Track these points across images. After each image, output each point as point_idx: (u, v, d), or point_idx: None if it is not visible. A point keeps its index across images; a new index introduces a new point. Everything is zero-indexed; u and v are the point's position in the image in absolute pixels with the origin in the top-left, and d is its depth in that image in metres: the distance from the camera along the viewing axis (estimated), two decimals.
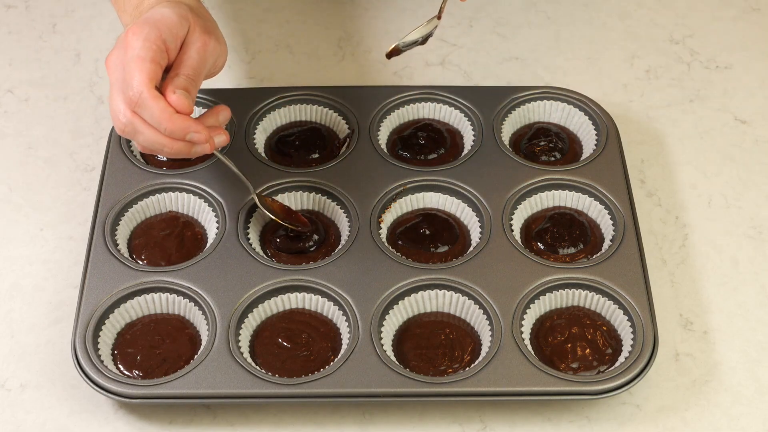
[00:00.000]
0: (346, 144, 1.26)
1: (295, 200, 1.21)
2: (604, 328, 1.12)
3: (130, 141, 1.26)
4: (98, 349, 1.09)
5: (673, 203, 1.26)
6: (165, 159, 1.25)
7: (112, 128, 1.27)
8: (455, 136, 1.28)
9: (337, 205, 1.21)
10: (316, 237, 1.18)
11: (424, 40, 1.19)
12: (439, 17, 1.17)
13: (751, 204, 1.26)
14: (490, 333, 1.10)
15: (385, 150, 1.26)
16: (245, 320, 1.12)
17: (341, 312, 1.12)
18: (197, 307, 1.13)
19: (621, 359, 1.10)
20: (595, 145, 1.26)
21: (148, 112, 1.04)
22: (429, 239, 1.18)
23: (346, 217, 1.20)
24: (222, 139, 1.10)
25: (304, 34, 1.43)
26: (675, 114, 1.35)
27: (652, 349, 1.09)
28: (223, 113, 1.12)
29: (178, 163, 1.25)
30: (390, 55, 1.17)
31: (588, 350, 1.10)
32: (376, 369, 1.08)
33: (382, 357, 1.08)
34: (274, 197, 1.20)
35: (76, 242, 1.21)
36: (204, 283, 1.13)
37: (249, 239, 1.18)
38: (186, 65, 1.07)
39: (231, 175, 1.22)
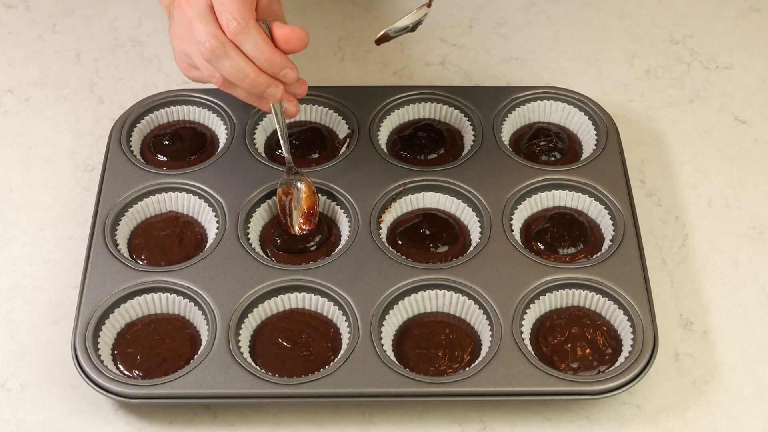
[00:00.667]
0: (346, 144, 1.26)
1: None
2: (604, 328, 1.12)
3: (129, 140, 1.26)
4: (98, 349, 1.09)
5: (673, 203, 1.26)
6: (165, 159, 1.25)
7: (112, 128, 1.27)
8: (455, 136, 1.28)
9: (337, 205, 1.21)
10: (317, 237, 1.18)
11: (414, 27, 1.18)
12: (429, 5, 1.16)
13: (751, 204, 1.26)
14: (490, 333, 1.10)
15: (385, 150, 1.26)
16: (245, 320, 1.12)
17: (341, 312, 1.12)
18: (197, 307, 1.13)
19: (621, 359, 1.10)
20: (595, 145, 1.26)
21: (252, 41, 1.07)
22: (429, 239, 1.18)
23: (346, 217, 1.20)
24: (292, 107, 1.15)
25: None
26: (675, 114, 1.35)
27: (652, 349, 1.09)
28: (302, 86, 1.15)
29: (178, 163, 1.25)
30: (379, 41, 1.17)
31: (588, 350, 1.10)
32: (376, 369, 1.08)
33: (382, 357, 1.08)
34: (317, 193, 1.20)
35: (76, 242, 1.21)
36: (204, 283, 1.13)
37: (249, 239, 1.18)
38: (272, 10, 1.13)
39: (232, 175, 1.22)
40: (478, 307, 1.12)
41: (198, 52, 1.09)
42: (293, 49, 1.11)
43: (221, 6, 1.08)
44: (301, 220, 1.18)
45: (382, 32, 1.16)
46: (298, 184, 1.19)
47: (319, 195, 1.20)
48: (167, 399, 1.07)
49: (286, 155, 1.19)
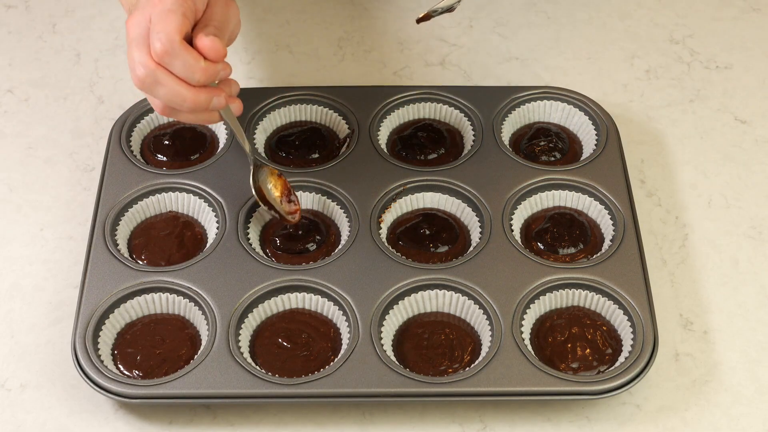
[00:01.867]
0: (346, 144, 1.26)
1: None
2: (604, 328, 1.12)
3: (129, 140, 1.26)
4: (98, 349, 1.09)
5: (673, 203, 1.26)
6: (165, 159, 1.25)
7: (112, 128, 1.27)
8: (455, 136, 1.29)
9: (337, 205, 1.21)
10: (317, 237, 1.18)
11: (452, 8, 1.17)
12: None
13: (751, 204, 1.26)
14: (490, 333, 1.10)
15: (385, 150, 1.26)
16: (245, 320, 1.12)
17: (341, 312, 1.12)
18: (197, 307, 1.13)
19: (621, 359, 1.10)
20: (595, 145, 1.26)
21: (180, 61, 1.03)
22: (429, 239, 1.18)
23: (346, 217, 1.20)
24: (237, 106, 1.11)
25: (304, 34, 1.43)
26: (675, 114, 1.35)
27: (652, 349, 1.09)
28: (235, 85, 1.11)
29: (178, 163, 1.25)
30: (420, 20, 1.16)
31: (588, 350, 1.10)
32: (376, 369, 1.08)
33: (382, 357, 1.08)
34: (281, 174, 1.19)
35: (76, 242, 1.21)
36: (204, 283, 1.13)
37: (249, 239, 1.18)
38: (212, 19, 1.07)
39: (232, 175, 1.22)
40: (478, 307, 1.12)
41: (133, 81, 1.06)
42: (220, 58, 1.06)
43: (152, 27, 1.04)
44: (285, 208, 1.18)
45: (424, 12, 1.16)
46: (266, 179, 1.18)
47: (289, 182, 1.19)
48: (167, 399, 1.07)
49: (248, 153, 1.17)
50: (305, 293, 1.14)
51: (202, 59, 1.04)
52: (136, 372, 1.09)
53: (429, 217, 1.20)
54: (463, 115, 1.29)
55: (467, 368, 1.09)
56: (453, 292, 1.13)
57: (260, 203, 1.17)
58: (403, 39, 1.42)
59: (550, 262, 1.16)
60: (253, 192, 1.17)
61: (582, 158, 1.26)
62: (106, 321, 1.11)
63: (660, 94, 1.37)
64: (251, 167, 1.17)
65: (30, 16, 1.45)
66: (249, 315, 1.12)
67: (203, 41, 1.04)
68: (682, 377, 1.12)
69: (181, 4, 1.04)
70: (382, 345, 1.10)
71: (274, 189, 1.18)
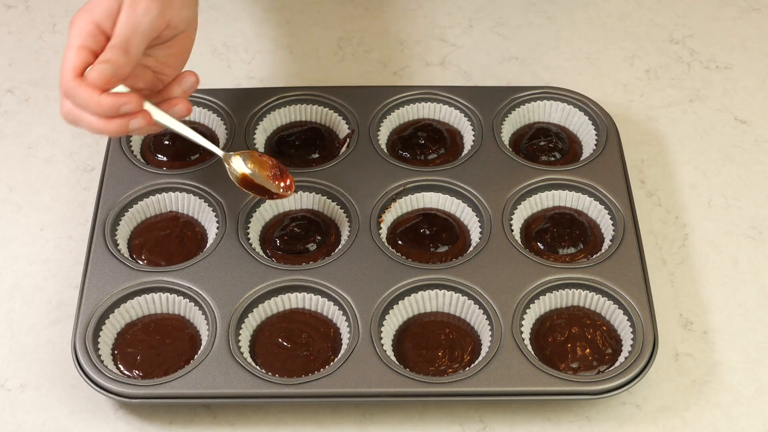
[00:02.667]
0: (346, 144, 1.26)
1: (295, 200, 1.22)
2: (604, 328, 1.12)
3: (129, 140, 1.26)
4: (98, 349, 1.09)
5: (673, 203, 1.26)
6: (165, 159, 1.25)
7: None
8: (455, 136, 1.29)
9: (337, 205, 1.21)
10: (318, 237, 1.18)
11: None
12: None
13: (751, 204, 1.26)
14: (490, 333, 1.10)
15: (385, 150, 1.26)
16: (245, 320, 1.12)
17: (341, 312, 1.12)
18: (197, 307, 1.13)
19: (621, 359, 1.10)
20: (595, 145, 1.26)
21: (77, 100, 1.04)
22: (429, 239, 1.18)
23: (346, 217, 1.20)
24: (180, 108, 1.09)
25: (304, 34, 1.43)
26: (675, 114, 1.35)
27: (652, 349, 1.09)
28: (188, 80, 1.10)
29: (178, 163, 1.25)
30: None
31: (588, 350, 1.10)
32: (376, 369, 1.08)
33: (382, 357, 1.08)
34: (262, 154, 1.17)
35: (76, 242, 1.21)
36: (204, 283, 1.13)
37: (249, 239, 1.18)
38: (115, 36, 1.05)
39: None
40: (478, 307, 1.13)
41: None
42: (108, 87, 1.03)
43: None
44: (276, 182, 1.15)
45: None
46: (246, 164, 1.15)
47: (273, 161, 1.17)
48: (167, 399, 1.07)
49: (214, 151, 1.14)
50: (305, 293, 1.14)
51: (96, 93, 1.03)
52: (136, 372, 1.09)
53: (429, 217, 1.20)
54: (463, 115, 1.29)
55: (467, 368, 1.09)
56: (453, 292, 1.13)
57: (249, 192, 1.15)
58: (403, 39, 1.42)
59: (550, 262, 1.16)
60: (236, 184, 1.15)
61: (582, 158, 1.26)
62: (106, 321, 1.11)
63: (660, 94, 1.37)
64: (224, 164, 1.15)
65: (30, 16, 1.45)
66: (249, 315, 1.12)
67: (88, 75, 1.03)
68: (682, 377, 1.12)
69: (77, 35, 1.04)
70: (382, 345, 1.10)
71: (259, 169, 1.16)
